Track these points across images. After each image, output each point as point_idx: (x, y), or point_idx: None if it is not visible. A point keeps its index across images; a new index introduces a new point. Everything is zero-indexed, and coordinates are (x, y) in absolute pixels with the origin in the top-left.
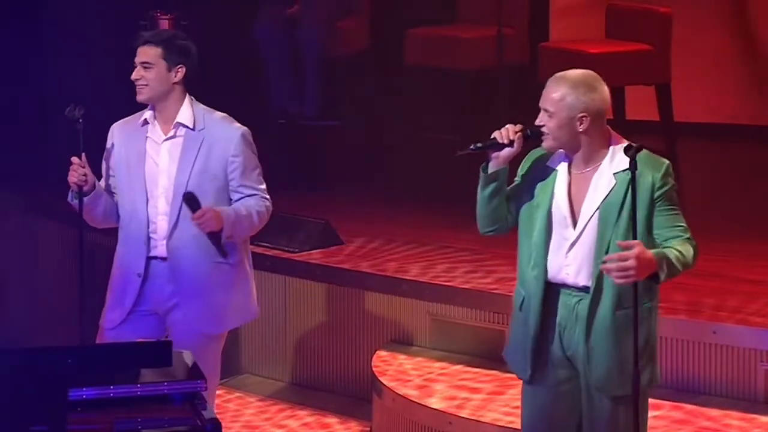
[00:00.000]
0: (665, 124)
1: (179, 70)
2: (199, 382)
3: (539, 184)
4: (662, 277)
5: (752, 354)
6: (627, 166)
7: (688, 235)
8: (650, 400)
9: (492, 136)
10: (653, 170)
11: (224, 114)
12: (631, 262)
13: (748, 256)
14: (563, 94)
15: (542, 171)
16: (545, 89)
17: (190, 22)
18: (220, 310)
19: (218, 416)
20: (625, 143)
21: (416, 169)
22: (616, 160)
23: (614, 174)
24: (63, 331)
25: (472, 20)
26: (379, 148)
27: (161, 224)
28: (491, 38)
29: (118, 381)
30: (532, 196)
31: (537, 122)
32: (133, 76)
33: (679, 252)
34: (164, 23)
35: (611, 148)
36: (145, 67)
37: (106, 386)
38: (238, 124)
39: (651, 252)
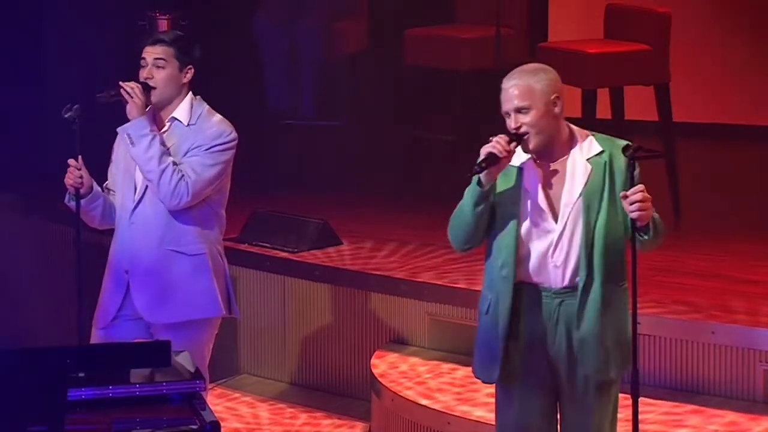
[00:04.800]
0: (664, 124)
1: (189, 70)
2: (198, 382)
3: (502, 183)
4: (650, 230)
5: (751, 354)
6: (598, 150)
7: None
8: (648, 400)
9: (487, 152)
10: (620, 151)
11: (223, 117)
12: (647, 195)
13: (747, 256)
14: (530, 84)
15: (504, 173)
16: (505, 93)
17: (189, 22)
18: (170, 298)
19: (217, 416)
20: (583, 130)
21: (415, 169)
22: (584, 146)
23: (588, 160)
24: (62, 331)
25: (471, 21)
26: (377, 148)
27: None
28: (490, 39)
29: (117, 381)
30: (500, 200)
31: (513, 126)
32: (145, 75)
33: (659, 219)
34: (163, 23)
35: (575, 134)
36: (157, 66)
37: (104, 386)
38: (227, 125)
39: None
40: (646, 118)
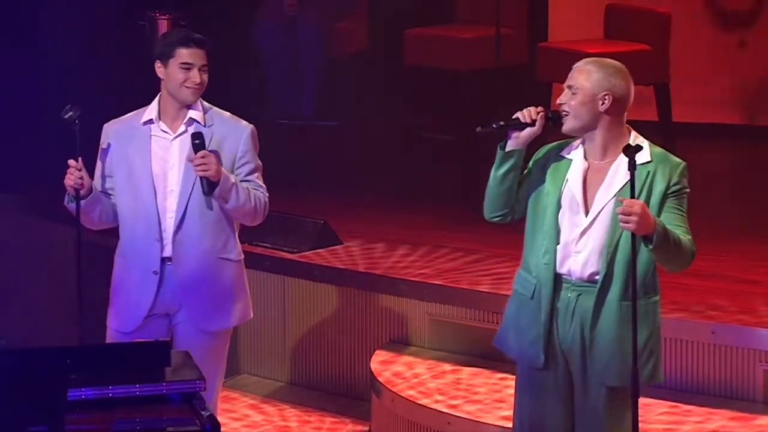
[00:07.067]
0: (664, 124)
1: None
2: (197, 382)
3: (551, 172)
4: (654, 241)
5: (751, 354)
6: (646, 159)
7: (689, 237)
8: (649, 400)
9: (514, 116)
10: (671, 167)
11: (230, 113)
12: (636, 208)
13: (747, 256)
14: (590, 71)
15: (555, 159)
16: (572, 70)
17: (188, 23)
18: (223, 306)
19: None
20: (645, 141)
21: (415, 169)
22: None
23: None
24: (62, 331)
25: (471, 20)
26: (377, 148)
27: (170, 222)
28: (490, 38)
29: (117, 381)
30: (542, 184)
31: (558, 101)
32: (198, 80)
33: (678, 237)
34: (163, 24)
35: (632, 140)
36: (203, 71)
37: (105, 386)
38: (246, 122)
39: (652, 215)
40: (645, 118)
